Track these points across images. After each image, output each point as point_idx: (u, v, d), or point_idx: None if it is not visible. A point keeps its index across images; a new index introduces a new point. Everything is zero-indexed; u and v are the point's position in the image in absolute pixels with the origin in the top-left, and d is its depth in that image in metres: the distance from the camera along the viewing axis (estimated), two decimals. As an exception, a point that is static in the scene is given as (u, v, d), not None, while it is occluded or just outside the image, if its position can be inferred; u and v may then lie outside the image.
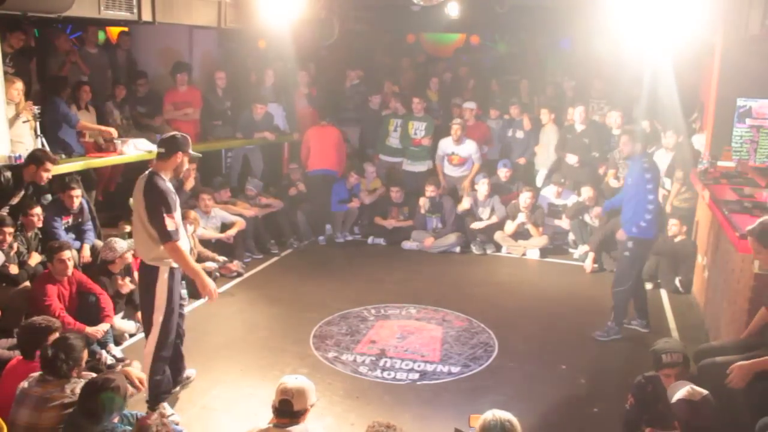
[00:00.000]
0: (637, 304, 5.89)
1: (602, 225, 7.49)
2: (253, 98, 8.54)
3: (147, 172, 4.26)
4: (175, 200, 4.17)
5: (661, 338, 4.18)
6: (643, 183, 5.48)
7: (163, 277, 4.17)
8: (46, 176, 5.56)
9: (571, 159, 8.21)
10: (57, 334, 3.73)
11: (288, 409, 3.02)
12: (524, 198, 7.95)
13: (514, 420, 2.67)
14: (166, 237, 4.04)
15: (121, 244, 5.67)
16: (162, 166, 4.25)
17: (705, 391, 3.19)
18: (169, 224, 4.04)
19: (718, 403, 3.24)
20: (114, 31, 9.78)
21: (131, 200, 6.78)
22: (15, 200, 5.53)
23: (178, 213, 4.16)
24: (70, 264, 5.14)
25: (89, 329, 4.97)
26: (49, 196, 6.45)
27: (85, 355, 3.57)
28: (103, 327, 5.09)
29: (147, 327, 4.25)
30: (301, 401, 3.04)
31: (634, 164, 5.60)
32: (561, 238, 8.24)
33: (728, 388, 3.46)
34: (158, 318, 4.18)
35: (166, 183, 4.18)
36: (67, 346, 3.47)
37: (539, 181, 8.64)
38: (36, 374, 3.48)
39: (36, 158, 5.54)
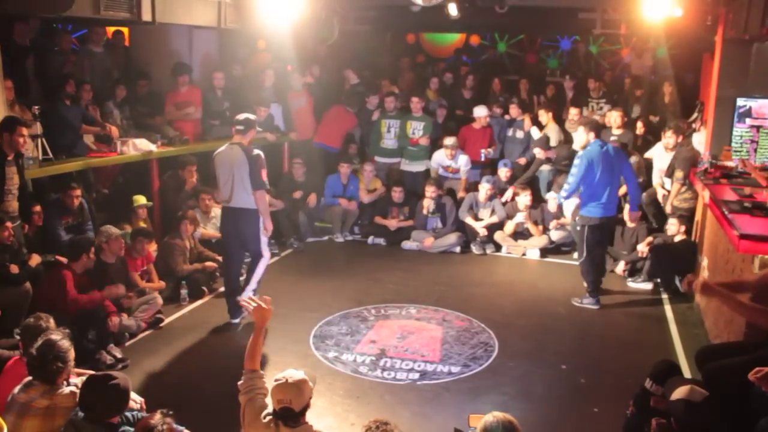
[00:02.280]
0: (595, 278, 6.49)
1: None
2: (255, 101, 8.53)
3: (235, 144, 5.62)
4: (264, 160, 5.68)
5: (666, 357, 4.09)
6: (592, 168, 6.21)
7: (260, 216, 5.68)
8: (22, 141, 5.40)
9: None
10: (59, 334, 3.70)
11: (290, 414, 2.93)
12: (523, 199, 7.96)
13: (515, 421, 2.66)
14: (261, 186, 5.57)
15: (113, 229, 5.77)
16: (244, 139, 5.65)
17: (705, 393, 3.14)
18: (264, 177, 5.59)
19: (720, 405, 3.20)
20: (110, 30, 9.77)
21: (136, 198, 6.84)
22: (15, 177, 5.43)
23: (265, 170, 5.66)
24: None
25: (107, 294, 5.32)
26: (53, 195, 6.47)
27: (72, 355, 3.48)
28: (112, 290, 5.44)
29: (258, 250, 5.78)
30: (300, 401, 2.94)
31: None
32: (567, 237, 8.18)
33: (731, 391, 3.43)
34: (264, 238, 5.77)
35: (253, 148, 5.67)
36: (54, 347, 3.39)
37: (542, 182, 8.63)
38: (27, 379, 3.42)
39: (5, 125, 5.36)
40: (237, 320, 5.87)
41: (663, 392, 3.58)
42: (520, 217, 7.98)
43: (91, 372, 3.79)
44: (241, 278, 6.06)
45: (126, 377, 3.34)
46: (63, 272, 5.19)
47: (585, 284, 6.50)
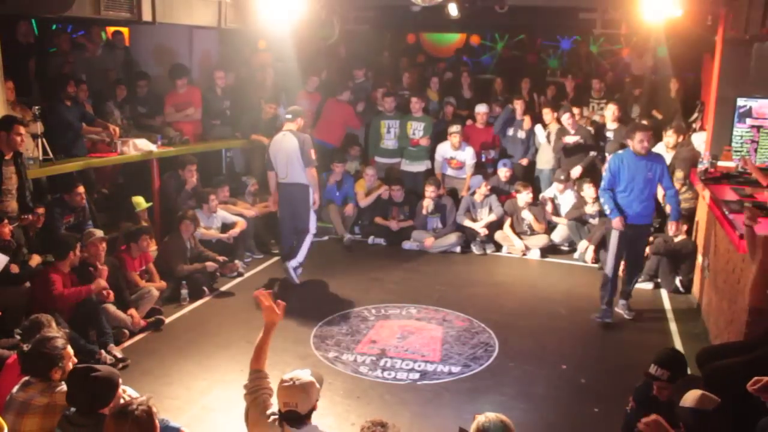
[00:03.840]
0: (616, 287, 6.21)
1: (602, 223, 7.50)
2: (263, 98, 8.51)
3: (287, 131, 6.70)
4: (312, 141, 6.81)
5: (668, 346, 4.09)
6: (657, 178, 5.89)
7: (311, 190, 6.78)
8: (20, 139, 5.36)
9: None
10: (56, 333, 3.70)
11: (295, 416, 2.90)
12: (524, 196, 7.97)
13: (508, 422, 2.64)
14: (311, 163, 6.64)
15: (97, 231, 5.72)
16: (292, 127, 6.73)
17: (717, 399, 3.03)
18: (313, 155, 6.66)
19: (721, 406, 3.17)
20: (110, 30, 9.78)
21: (136, 201, 6.82)
22: (14, 177, 5.42)
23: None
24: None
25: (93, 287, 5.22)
26: (48, 197, 6.46)
27: (68, 353, 3.46)
28: (100, 283, 5.32)
29: (307, 221, 6.84)
30: (306, 404, 2.91)
31: (654, 160, 5.87)
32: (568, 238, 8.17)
33: (732, 392, 3.42)
34: (312, 215, 6.87)
35: (301, 134, 6.74)
36: (43, 344, 3.39)
37: (543, 182, 8.63)
38: (26, 378, 3.41)
39: (2, 124, 5.32)
40: (297, 281, 6.95)
41: (668, 377, 3.61)
42: (527, 216, 8.00)
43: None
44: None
45: (111, 369, 3.31)
46: (49, 275, 5.13)
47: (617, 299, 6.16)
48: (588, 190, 7.73)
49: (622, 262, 6.16)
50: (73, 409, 3.12)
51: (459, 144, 8.43)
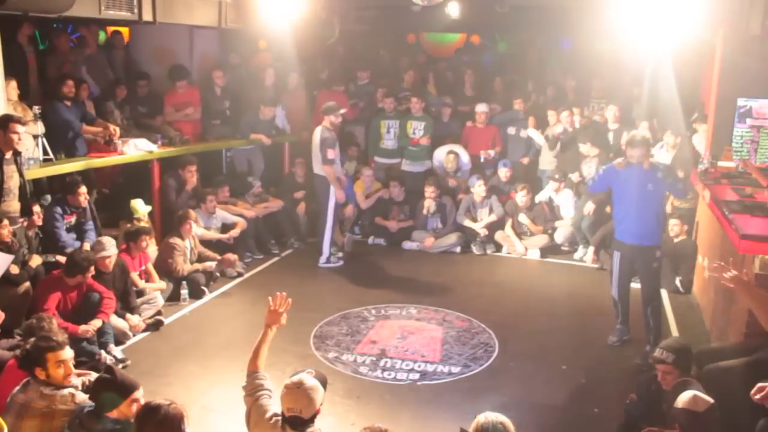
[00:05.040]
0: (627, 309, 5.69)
1: (604, 224, 7.50)
2: (261, 100, 8.52)
3: (320, 126, 7.24)
4: (335, 140, 7.27)
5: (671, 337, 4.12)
6: (661, 190, 5.35)
7: (330, 185, 7.29)
8: (17, 138, 5.29)
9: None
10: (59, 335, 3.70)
11: (299, 422, 2.87)
12: (521, 196, 7.98)
13: (508, 422, 2.64)
14: (326, 162, 7.18)
15: (110, 243, 5.62)
16: (326, 123, 7.23)
17: (710, 400, 3.09)
18: (330, 154, 7.15)
19: (720, 407, 3.19)
20: (109, 30, 9.76)
21: (133, 204, 6.79)
22: (15, 176, 5.40)
23: (337, 148, 7.29)
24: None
25: (81, 328, 4.95)
26: (48, 197, 6.47)
27: (58, 355, 3.42)
28: (95, 324, 5.06)
29: (324, 213, 7.38)
30: (310, 409, 2.88)
31: (652, 172, 5.19)
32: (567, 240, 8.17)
33: (731, 393, 3.42)
34: (332, 205, 7.33)
35: (329, 131, 7.21)
36: (40, 340, 3.39)
37: (545, 183, 8.61)
38: (26, 379, 3.40)
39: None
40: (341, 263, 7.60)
41: (674, 359, 3.63)
42: (524, 219, 8.00)
43: (91, 372, 3.79)
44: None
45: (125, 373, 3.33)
46: (50, 293, 5.07)
47: (654, 338, 5.31)
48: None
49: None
50: (86, 411, 3.12)
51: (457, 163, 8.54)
